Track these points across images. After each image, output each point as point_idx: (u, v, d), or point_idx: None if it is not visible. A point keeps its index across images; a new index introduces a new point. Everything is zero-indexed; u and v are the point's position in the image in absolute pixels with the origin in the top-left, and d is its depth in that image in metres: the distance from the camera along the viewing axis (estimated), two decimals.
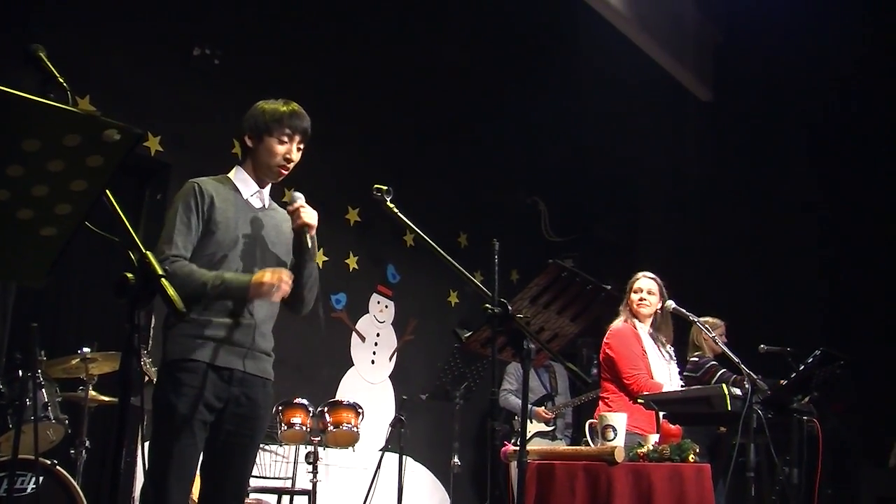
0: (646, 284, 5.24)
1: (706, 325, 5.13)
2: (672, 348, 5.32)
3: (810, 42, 8.09)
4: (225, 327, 3.21)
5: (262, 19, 7.17)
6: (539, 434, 7.76)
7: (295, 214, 3.33)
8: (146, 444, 3.20)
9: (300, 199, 3.35)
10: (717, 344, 5.26)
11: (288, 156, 3.35)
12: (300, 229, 3.34)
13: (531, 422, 7.74)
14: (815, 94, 8.43)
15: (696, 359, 6.48)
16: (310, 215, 3.34)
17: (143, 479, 3.26)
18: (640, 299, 5.21)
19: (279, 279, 3.18)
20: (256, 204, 3.41)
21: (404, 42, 8.24)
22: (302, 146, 3.41)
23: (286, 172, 3.37)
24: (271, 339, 3.41)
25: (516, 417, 7.77)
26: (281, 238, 3.43)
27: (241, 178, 3.40)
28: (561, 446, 7.26)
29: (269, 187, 3.47)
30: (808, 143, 8.60)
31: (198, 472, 3.31)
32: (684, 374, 6.55)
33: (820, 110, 8.49)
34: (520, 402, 7.63)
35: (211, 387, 3.17)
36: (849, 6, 7.87)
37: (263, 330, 3.34)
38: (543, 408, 7.85)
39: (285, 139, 3.34)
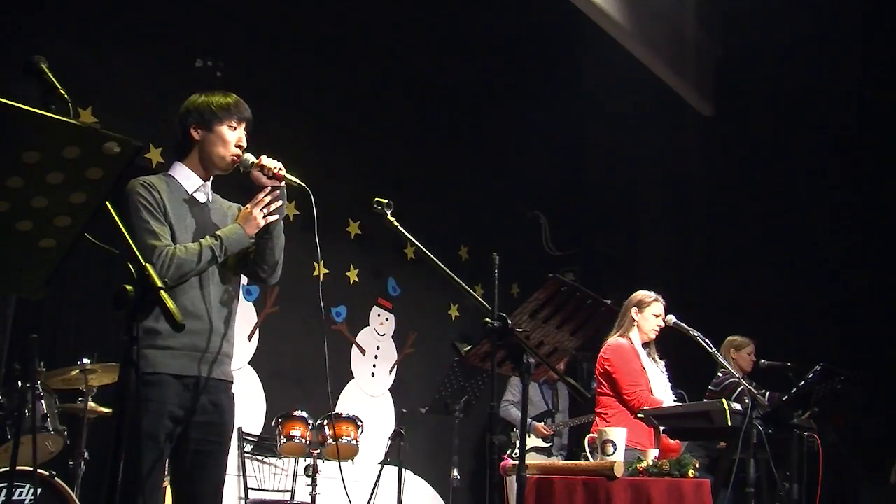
0: (663, 311, 5.21)
1: (706, 340, 5.11)
2: (663, 362, 5.30)
3: (811, 55, 8.11)
4: (185, 333, 3.15)
5: (263, 32, 7.19)
6: (535, 449, 7.75)
7: (265, 169, 3.29)
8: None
9: (251, 157, 3.32)
10: (718, 359, 5.24)
11: (240, 143, 3.34)
12: (279, 178, 3.30)
13: (529, 436, 7.73)
14: (816, 106, 8.44)
15: (721, 375, 6.49)
16: (275, 162, 3.31)
17: None
18: (659, 326, 5.18)
19: (258, 202, 3.28)
20: (201, 198, 3.38)
21: (405, 56, 8.26)
22: (246, 133, 3.39)
23: (238, 160, 3.33)
24: (232, 343, 3.39)
25: (515, 429, 7.77)
26: None
27: (183, 175, 3.36)
28: (558, 462, 7.25)
29: (211, 180, 3.43)
30: (809, 156, 8.60)
31: (168, 485, 3.30)
32: (708, 389, 6.56)
33: (821, 123, 8.50)
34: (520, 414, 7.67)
35: (176, 398, 3.14)
36: (849, 19, 7.88)
37: (224, 332, 3.31)
38: (543, 424, 7.84)
39: (234, 125, 3.34)
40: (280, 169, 3.30)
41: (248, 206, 3.31)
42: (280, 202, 3.33)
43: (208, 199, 3.41)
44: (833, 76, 8.13)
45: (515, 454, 7.60)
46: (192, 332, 3.18)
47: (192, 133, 3.33)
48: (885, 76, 7.99)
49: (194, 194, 3.35)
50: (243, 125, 3.37)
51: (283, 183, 3.32)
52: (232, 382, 3.39)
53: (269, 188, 3.30)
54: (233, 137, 3.33)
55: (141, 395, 3.08)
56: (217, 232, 3.23)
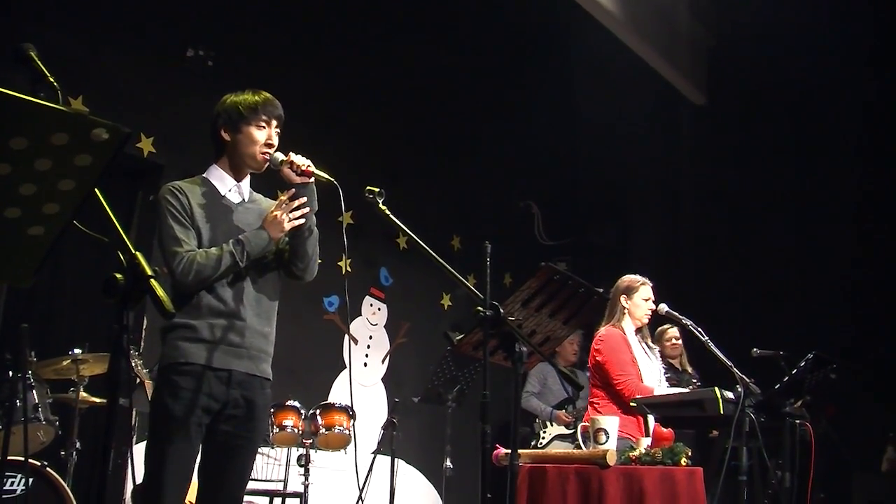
0: (652, 293, 5.19)
1: (698, 329, 5.11)
2: (657, 348, 5.29)
3: (803, 46, 8.10)
4: (219, 328, 3.21)
5: (255, 21, 7.16)
6: (559, 437, 7.75)
7: (294, 166, 3.29)
8: (139, 446, 3.21)
9: (281, 155, 3.32)
10: (711, 347, 5.24)
11: (269, 141, 3.34)
12: (308, 175, 3.31)
13: (552, 424, 7.75)
14: (807, 97, 8.45)
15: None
16: (304, 159, 3.32)
17: (132, 482, 3.25)
18: (651, 309, 5.15)
19: (283, 204, 3.27)
20: (235, 199, 3.40)
21: (398, 45, 8.23)
22: (279, 131, 3.39)
23: (268, 159, 3.33)
24: (270, 340, 3.42)
25: (537, 420, 7.79)
26: None
27: (216, 176, 3.39)
28: (550, 451, 7.26)
29: (247, 180, 3.45)
30: (802, 145, 8.61)
31: (195, 475, 3.31)
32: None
33: (812, 114, 8.51)
34: (541, 404, 7.73)
35: (208, 389, 3.16)
36: (842, 8, 7.88)
37: (259, 329, 3.34)
38: (564, 411, 7.86)
39: (263, 125, 3.34)
40: (309, 166, 3.31)
41: (273, 209, 3.31)
42: (305, 197, 3.33)
43: (244, 199, 3.43)
44: (826, 65, 8.13)
45: (539, 444, 7.62)
46: (224, 327, 3.22)
47: (223, 135, 3.36)
48: (879, 67, 8.00)
49: (227, 195, 3.38)
50: (274, 123, 3.38)
51: (312, 179, 3.33)
52: (269, 380, 3.39)
53: (294, 191, 3.30)
54: (261, 136, 3.34)
55: (174, 383, 3.14)
56: (240, 236, 3.24)
